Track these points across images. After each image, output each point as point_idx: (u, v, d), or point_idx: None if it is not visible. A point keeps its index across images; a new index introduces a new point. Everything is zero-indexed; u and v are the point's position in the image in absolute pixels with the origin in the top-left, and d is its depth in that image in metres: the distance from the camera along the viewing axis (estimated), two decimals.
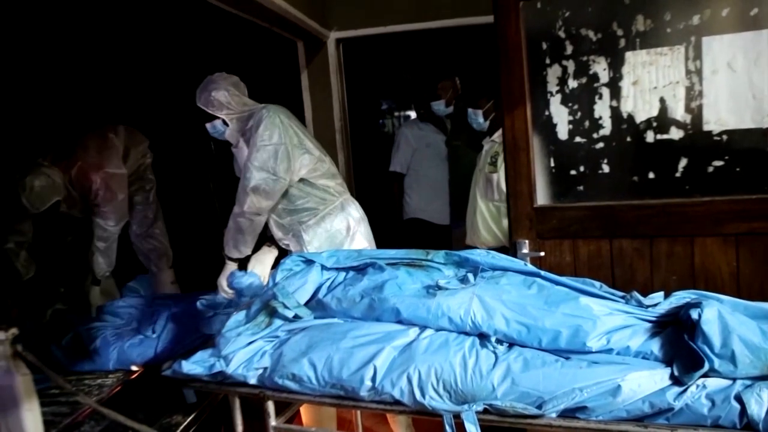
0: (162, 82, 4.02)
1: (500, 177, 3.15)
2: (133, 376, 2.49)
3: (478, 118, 3.33)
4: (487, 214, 3.27)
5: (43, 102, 3.33)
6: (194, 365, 1.93)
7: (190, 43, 4.15)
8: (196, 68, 4.13)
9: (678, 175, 2.28)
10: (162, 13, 3.83)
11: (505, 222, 3.17)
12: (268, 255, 2.80)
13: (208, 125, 2.67)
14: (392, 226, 4.14)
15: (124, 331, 2.65)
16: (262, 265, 2.74)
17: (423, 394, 1.64)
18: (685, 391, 1.49)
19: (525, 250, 2.44)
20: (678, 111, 2.26)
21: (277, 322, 1.94)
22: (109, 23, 3.65)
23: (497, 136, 3.24)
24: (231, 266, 2.64)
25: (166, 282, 3.29)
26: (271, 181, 2.54)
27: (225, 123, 2.65)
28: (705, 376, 1.50)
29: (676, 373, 1.52)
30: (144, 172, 3.33)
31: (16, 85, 3.18)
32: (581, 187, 2.43)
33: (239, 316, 2.02)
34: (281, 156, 2.56)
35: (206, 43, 4.16)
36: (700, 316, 1.54)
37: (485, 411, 1.60)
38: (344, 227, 2.74)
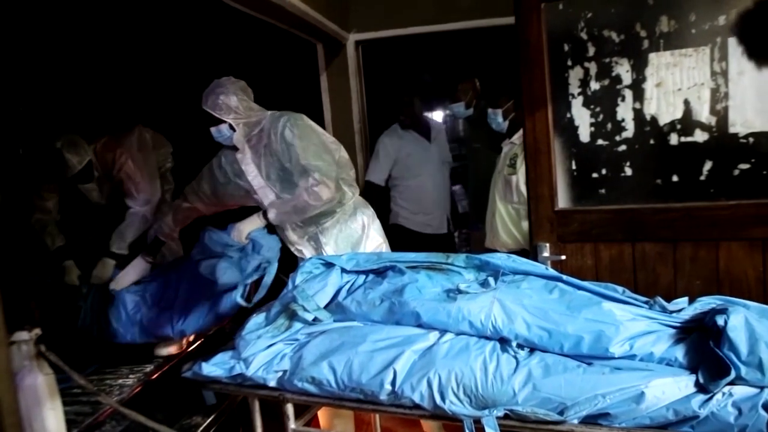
0: (183, 86, 4.05)
1: (519, 179, 3.13)
2: (154, 377, 2.51)
3: (498, 118, 3.31)
4: (506, 217, 3.25)
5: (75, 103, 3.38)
6: (214, 367, 1.93)
7: (211, 46, 4.17)
8: (217, 72, 4.17)
9: (702, 178, 2.25)
10: (183, 17, 3.86)
11: (524, 224, 3.14)
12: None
13: (213, 129, 2.59)
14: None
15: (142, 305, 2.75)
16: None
17: (443, 399, 1.63)
18: (710, 398, 1.46)
19: (546, 254, 2.42)
20: (703, 113, 2.22)
21: (297, 325, 1.94)
22: (131, 28, 3.68)
23: (516, 137, 3.22)
24: (259, 223, 2.51)
25: None
26: (333, 171, 2.55)
27: (231, 128, 2.59)
28: (731, 383, 1.47)
29: (701, 380, 1.50)
30: (164, 175, 3.38)
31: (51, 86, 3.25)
32: (603, 190, 2.40)
33: (259, 318, 2.02)
34: (326, 149, 2.60)
35: (226, 46, 4.18)
36: (726, 322, 1.51)
37: (506, 416, 1.58)
38: (359, 226, 2.74)
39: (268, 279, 2.37)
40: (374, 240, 2.79)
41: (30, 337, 1.62)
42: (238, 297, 2.41)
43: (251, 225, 2.49)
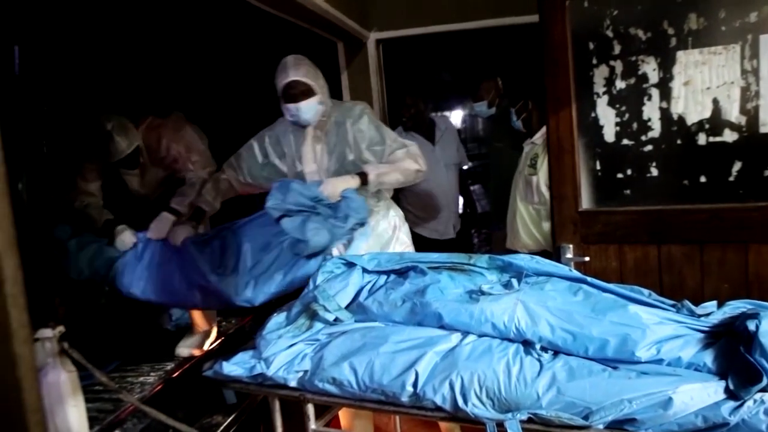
0: (205, 84, 4.07)
1: (540, 179, 3.10)
2: (175, 375, 2.52)
3: (513, 117, 3.28)
4: (527, 217, 3.21)
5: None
6: (235, 366, 1.93)
7: (233, 44, 4.18)
8: (238, 70, 4.19)
9: (731, 179, 2.20)
10: (203, 16, 3.87)
11: (545, 225, 3.11)
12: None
13: (307, 103, 2.47)
14: None
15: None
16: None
17: (465, 401, 1.61)
18: (741, 405, 1.42)
19: (569, 255, 2.39)
20: (732, 112, 2.17)
21: (318, 325, 1.94)
22: (154, 27, 3.71)
23: (538, 137, 3.19)
24: (353, 183, 2.40)
25: None
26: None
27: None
28: (763, 390, 1.43)
29: (731, 386, 1.46)
30: None
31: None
32: (628, 191, 2.36)
33: (279, 317, 2.02)
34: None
35: (249, 44, 4.19)
36: (757, 327, 1.47)
37: (529, 420, 1.56)
38: (390, 227, 2.70)
39: (361, 243, 2.30)
40: (403, 243, 2.74)
41: (53, 334, 1.64)
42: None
43: (346, 183, 2.38)
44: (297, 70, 2.48)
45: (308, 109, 2.49)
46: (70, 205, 2.89)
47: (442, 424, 2.93)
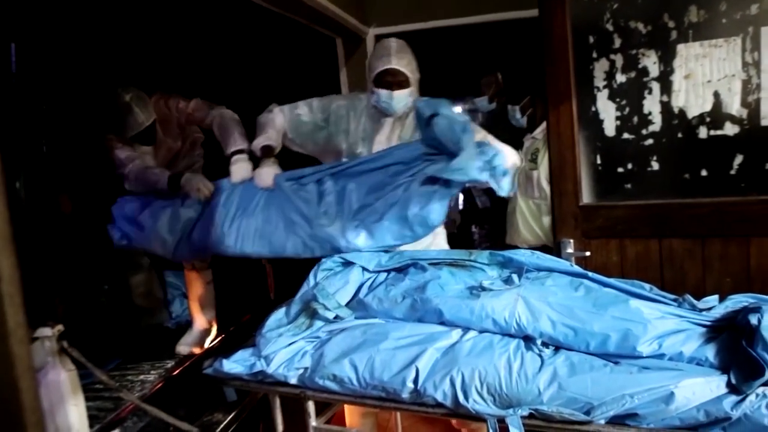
0: (204, 82, 4.06)
1: (540, 174, 3.10)
2: (175, 373, 2.51)
3: (516, 114, 3.28)
4: (527, 212, 3.21)
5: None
6: (235, 364, 1.93)
7: (230, 40, 4.17)
8: (236, 66, 4.17)
9: (733, 172, 2.19)
10: (201, 13, 3.86)
11: (545, 220, 3.11)
12: None
13: (401, 93, 2.36)
14: None
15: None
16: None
17: (466, 398, 1.61)
18: (743, 399, 1.42)
19: (570, 250, 2.38)
20: (734, 105, 2.17)
21: (318, 323, 1.93)
22: (151, 24, 3.69)
23: (538, 132, 3.18)
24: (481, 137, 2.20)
25: (203, 281, 3.23)
26: None
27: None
28: (765, 384, 1.43)
29: (733, 381, 1.45)
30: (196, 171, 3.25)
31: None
32: (629, 185, 2.36)
33: (279, 315, 2.01)
34: None
35: (246, 40, 4.18)
36: (760, 321, 1.47)
37: (531, 416, 1.55)
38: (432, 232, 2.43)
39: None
40: (440, 242, 2.57)
41: (53, 333, 1.63)
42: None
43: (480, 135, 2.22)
44: (400, 59, 2.36)
45: (400, 99, 2.38)
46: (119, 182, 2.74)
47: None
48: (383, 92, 2.36)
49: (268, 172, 2.33)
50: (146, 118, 2.68)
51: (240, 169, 2.41)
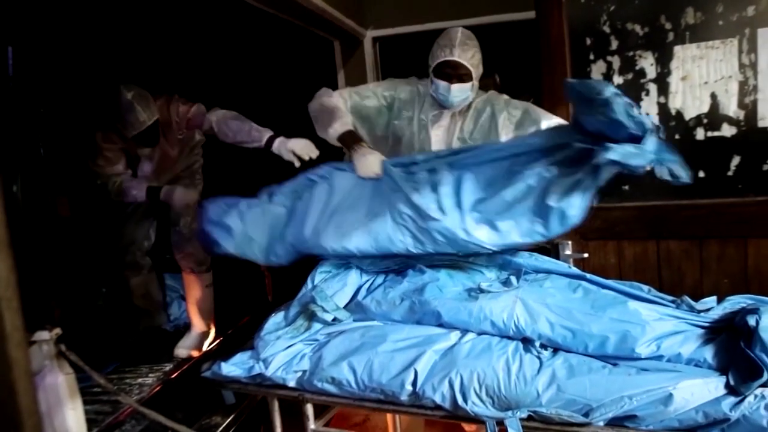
0: (202, 84, 4.06)
1: None
2: (173, 376, 2.51)
3: None
4: None
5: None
6: (233, 367, 1.92)
7: (229, 43, 4.17)
8: (235, 68, 4.17)
9: (730, 173, 2.20)
10: (200, 15, 3.86)
11: None
12: None
13: (461, 87, 2.20)
14: None
15: None
16: None
17: (465, 400, 1.60)
18: (742, 401, 1.42)
19: (568, 252, 2.38)
20: (730, 107, 2.17)
21: (316, 325, 1.92)
22: (149, 26, 3.69)
23: None
24: None
25: (202, 284, 3.23)
26: None
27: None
28: (764, 385, 1.43)
29: (732, 382, 1.45)
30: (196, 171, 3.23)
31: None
32: (626, 187, 2.36)
33: (277, 318, 2.00)
34: None
35: (244, 43, 4.18)
36: (757, 322, 1.47)
37: (529, 418, 1.55)
38: None
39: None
40: None
41: (50, 336, 1.63)
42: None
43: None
44: (464, 52, 2.18)
45: (460, 93, 2.22)
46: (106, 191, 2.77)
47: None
48: (441, 84, 2.21)
49: (375, 159, 2.05)
50: (148, 117, 2.65)
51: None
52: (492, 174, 1.86)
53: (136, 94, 2.62)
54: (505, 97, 2.31)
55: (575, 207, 1.72)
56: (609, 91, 1.55)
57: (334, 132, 2.18)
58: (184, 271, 3.07)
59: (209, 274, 3.10)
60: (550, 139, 1.82)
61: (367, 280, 2.07)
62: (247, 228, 2.13)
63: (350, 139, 2.16)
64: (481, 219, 1.83)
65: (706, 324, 1.64)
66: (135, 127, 2.64)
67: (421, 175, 1.96)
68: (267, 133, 2.53)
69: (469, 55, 2.18)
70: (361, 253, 1.99)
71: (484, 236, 1.83)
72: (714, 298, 1.75)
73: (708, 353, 1.56)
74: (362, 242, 1.96)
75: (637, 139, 1.56)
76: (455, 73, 2.18)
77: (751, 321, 1.48)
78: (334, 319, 1.93)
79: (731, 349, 1.53)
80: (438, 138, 2.29)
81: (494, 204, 1.82)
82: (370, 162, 2.05)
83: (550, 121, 2.18)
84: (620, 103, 1.54)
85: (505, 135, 2.21)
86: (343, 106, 2.28)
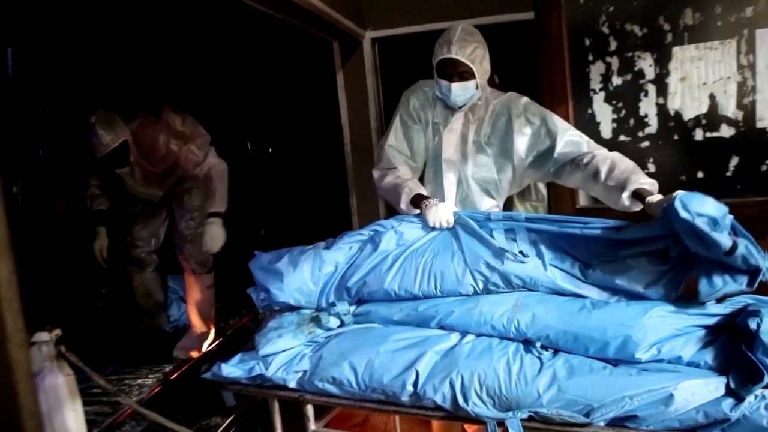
0: (199, 83, 4.06)
1: None
2: (173, 377, 2.51)
3: None
4: None
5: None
6: (233, 368, 1.92)
7: (228, 44, 4.17)
8: (234, 70, 4.17)
9: (729, 174, 2.20)
10: (198, 15, 3.86)
11: None
12: None
13: (461, 85, 2.12)
14: None
15: None
16: None
17: (466, 400, 1.60)
18: (742, 401, 1.42)
19: None
20: (729, 107, 2.18)
21: (319, 331, 1.92)
22: (148, 26, 3.69)
23: None
24: None
25: (203, 285, 3.23)
26: None
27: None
28: (765, 387, 1.43)
29: (732, 385, 1.45)
30: None
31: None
32: None
33: (279, 320, 2.00)
34: None
35: (243, 44, 4.18)
36: (759, 325, 1.46)
37: (530, 418, 1.55)
38: None
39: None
40: None
41: (50, 337, 1.62)
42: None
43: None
44: (462, 49, 2.09)
45: (462, 92, 2.13)
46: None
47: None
48: (443, 83, 2.14)
49: (446, 209, 2.04)
50: (112, 139, 2.63)
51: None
52: (579, 248, 1.85)
53: (99, 118, 2.62)
54: (525, 99, 2.20)
55: (657, 294, 1.73)
56: (739, 251, 1.53)
57: (407, 208, 2.17)
58: (185, 271, 3.07)
59: (210, 275, 3.10)
60: (644, 232, 1.76)
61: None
62: (302, 274, 2.05)
63: (419, 200, 2.12)
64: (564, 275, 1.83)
65: (708, 324, 1.64)
66: (99, 150, 2.64)
67: (497, 233, 1.94)
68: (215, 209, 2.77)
69: (467, 52, 2.10)
70: (426, 295, 1.94)
71: (557, 280, 1.83)
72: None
73: (708, 356, 1.56)
74: (425, 284, 1.93)
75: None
76: (455, 71, 2.11)
77: (753, 324, 1.48)
78: (341, 324, 1.93)
79: (732, 352, 1.53)
80: (451, 141, 2.22)
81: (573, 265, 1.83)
82: (441, 211, 2.03)
83: (565, 136, 2.07)
84: (742, 254, 1.54)
85: (519, 142, 2.13)
86: (399, 175, 2.25)
